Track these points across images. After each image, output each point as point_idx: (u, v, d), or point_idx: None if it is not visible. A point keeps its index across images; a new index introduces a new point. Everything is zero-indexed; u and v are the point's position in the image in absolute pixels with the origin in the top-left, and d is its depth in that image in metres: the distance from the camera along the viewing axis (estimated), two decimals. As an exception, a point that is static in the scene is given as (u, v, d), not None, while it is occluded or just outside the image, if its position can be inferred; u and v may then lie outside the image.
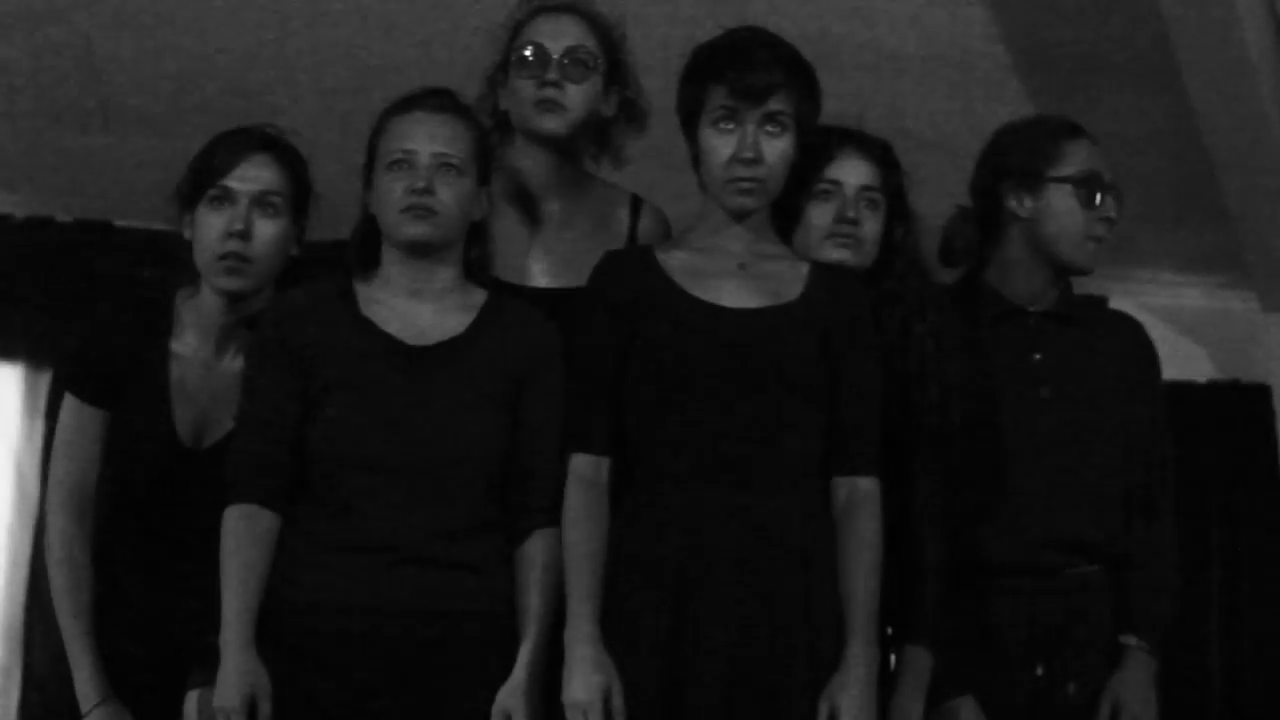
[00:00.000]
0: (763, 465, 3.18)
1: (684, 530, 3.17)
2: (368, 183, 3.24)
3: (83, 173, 5.83)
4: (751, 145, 3.19)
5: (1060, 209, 3.51)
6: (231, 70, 5.11)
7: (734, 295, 3.24)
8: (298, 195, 3.38)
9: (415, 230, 3.20)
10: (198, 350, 3.39)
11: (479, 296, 3.27)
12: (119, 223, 6.03)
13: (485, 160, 3.28)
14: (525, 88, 3.44)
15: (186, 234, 3.38)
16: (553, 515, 3.20)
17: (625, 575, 3.18)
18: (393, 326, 3.22)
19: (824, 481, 3.24)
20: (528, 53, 3.44)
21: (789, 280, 3.26)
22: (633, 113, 3.52)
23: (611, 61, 3.49)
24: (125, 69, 5.13)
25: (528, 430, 3.22)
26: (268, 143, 3.38)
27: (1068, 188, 3.51)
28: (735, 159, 3.20)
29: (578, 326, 3.27)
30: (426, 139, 3.21)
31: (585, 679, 3.11)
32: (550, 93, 3.43)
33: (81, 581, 3.36)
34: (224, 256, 3.31)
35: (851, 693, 3.14)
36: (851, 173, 3.38)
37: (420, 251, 3.22)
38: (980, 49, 4.90)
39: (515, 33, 3.49)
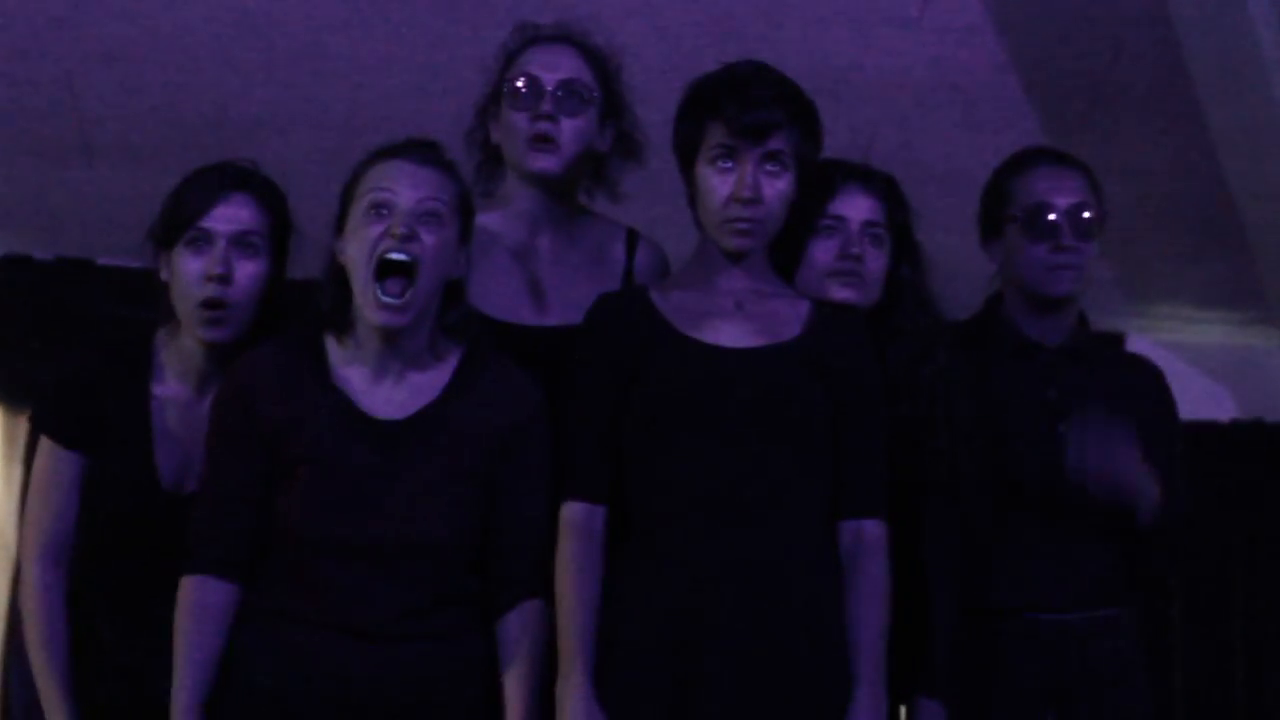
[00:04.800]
0: (764, 509, 3.08)
1: (684, 581, 3.06)
2: (339, 230, 3.12)
3: (63, 209, 5.76)
4: (750, 185, 3.10)
5: (1014, 247, 3.51)
6: (216, 105, 5.03)
7: (731, 335, 3.14)
8: (277, 233, 3.27)
9: (386, 316, 3.07)
10: (179, 393, 3.26)
11: (456, 354, 3.15)
12: (100, 260, 5.97)
13: (467, 217, 3.16)
14: (519, 121, 3.35)
15: (164, 276, 3.28)
16: (534, 586, 3.09)
17: (624, 629, 3.07)
18: (364, 398, 3.10)
19: (829, 525, 3.13)
20: (520, 84, 3.35)
21: (788, 319, 3.17)
22: (629, 146, 3.43)
23: (607, 94, 3.40)
24: (106, 104, 5.06)
25: (508, 499, 3.10)
26: (244, 180, 3.26)
27: (1016, 226, 3.50)
28: (734, 199, 3.10)
29: (573, 371, 3.16)
30: (409, 185, 3.09)
31: None
32: (544, 127, 3.33)
33: (57, 631, 3.25)
34: (205, 303, 3.21)
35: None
36: (855, 208, 3.29)
37: (390, 333, 3.10)
38: (991, 80, 4.84)
39: (508, 64, 3.40)
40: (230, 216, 3.24)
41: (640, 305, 3.18)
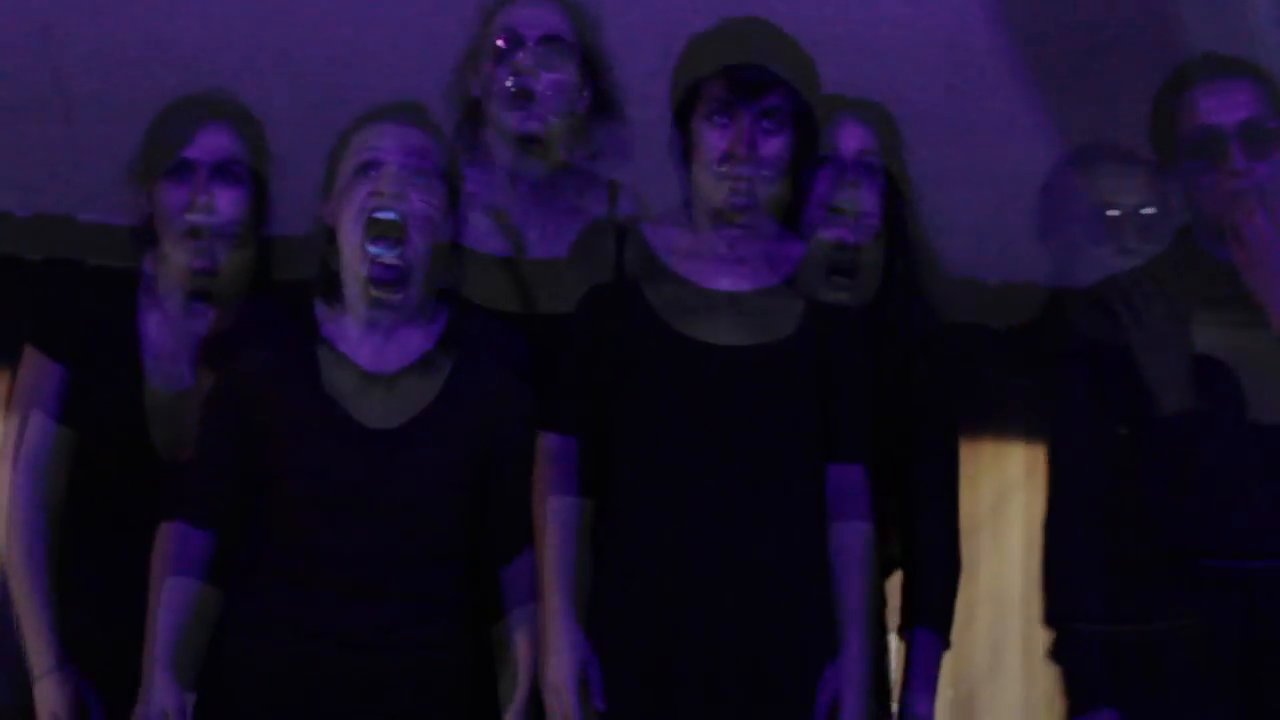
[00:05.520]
0: (748, 508, 3.08)
1: (667, 579, 3.08)
2: (327, 193, 3.11)
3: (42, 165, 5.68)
4: (747, 141, 3.08)
5: (1186, 175, 3.28)
6: (197, 58, 4.95)
7: (723, 332, 3.12)
8: (256, 161, 3.30)
9: (379, 271, 3.06)
10: (167, 306, 3.33)
11: (443, 314, 3.12)
12: (81, 217, 5.84)
13: (455, 181, 3.15)
14: (500, 76, 3.37)
15: (146, 210, 3.28)
16: (531, 540, 3.13)
17: (604, 622, 3.09)
18: (354, 347, 3.08)
19: (819, 526, 3.12)
20: (501, 40, 3.36)
21: (783, 316, 3.14)
22: (607, 104, 3.41)
23: (587, 50, 3.41)
24: (85, 59, 5.00)
25: (503, 454, 3.10)
26: (221, 110, 3.29)
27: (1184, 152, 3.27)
28: (729, 155, 3.08)
29: (557, 356, 3.20)
30: (397, 146, 3.08)
31: (559, 658, 3.02)
32: (525, 80, 3.33)
33: (38, 542, 3.27)
34: (189, 232, 3.23)
35: (853, 676, 3.07)
36: (849, 137, 3.36)
37: (381, 288, 3.08)
38: (982, 39, 4.79)
39: (488, 20, 3.41)
40: (210, 145, 3.29)
41: (631, 298, 3.16)
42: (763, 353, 3.15)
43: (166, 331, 3.34)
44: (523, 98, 3.44)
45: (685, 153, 3.21)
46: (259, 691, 3.07)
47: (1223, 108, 3.22)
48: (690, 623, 3.09)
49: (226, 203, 3.34)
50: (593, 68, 3.52)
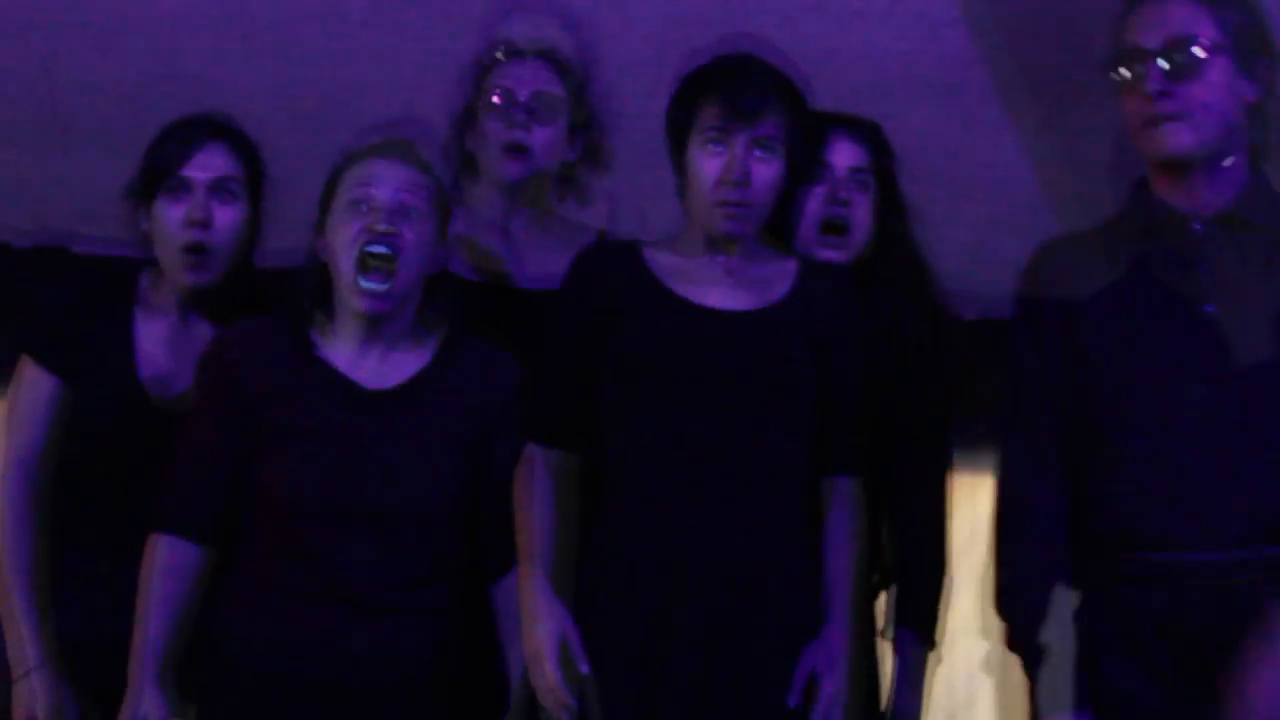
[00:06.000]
0: (742, 470, 3.13)
1: (658, 542, 3.13)
2: (320, 229, 3.17)
3: (42, 196, 5.70)
4: (740, 166, 3.13)
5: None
6: (194, 93, 4.94)
7: (719, 297, 3.17)
8: (253, 180, 3.36)
9: (369, 303, 3.10)
10: (162, 321, 3.40)
11: (435, 339, 3.18)
12: (76, 250, 5.85)
13: (444, 213, 3.21)
14: (494, 130, 3.47)
15: (144, 228, 3.33)
16: None
17: (599, 589, 3.14)
18: (348, 368, 3.13)
19: (809, 487, 3.22)
20: (496, 99, 3.49)
21: (775, 280, 3.19)
22: (596, 155, 3.56)
23: (577, 105, 3.52)
24: (85, 91, 5.01)
25: (493, 472, 3.14)
26: (218, 129, 3.35)
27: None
28: (723, 180, 3.13)
29: (554, 312, 3.24)
30: (388, 182, 3.14)
31: (538, 626, 3.07)
32: (518, 135, 3.43)
33: (28, 541, 3.33)
34: (186, 248, 3.28)
35: (832, 652, 3.10)
36: (841, 155, 3.42)
37: (373, 319, 3.14)
38: (963, 73, 4.82)
39: (483, 76, 3.51)
40: (207, 164, 3.34)
41: (630, 258, 3.21)
42: (757, 317, 3.19)
43: (163, 346, 3.38)
44: (516, 150, 3.55)
45: (680, 183, 3.26)
46: (255, 660, 3.09)
47: (1150, 26, 3.03)
48: (687, 579, 3.12)
49: (223, 220, 3.39)
50: (583, 121, 3.59)
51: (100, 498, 3.32)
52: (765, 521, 3.16)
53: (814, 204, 3.40)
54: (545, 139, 3.57)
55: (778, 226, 3.35)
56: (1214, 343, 2.94)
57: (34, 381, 3.38)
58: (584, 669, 3.06)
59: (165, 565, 3.14)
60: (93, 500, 3.33)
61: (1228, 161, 3.03)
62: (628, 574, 3.13)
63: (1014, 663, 3.14)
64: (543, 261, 3.45)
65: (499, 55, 3.63)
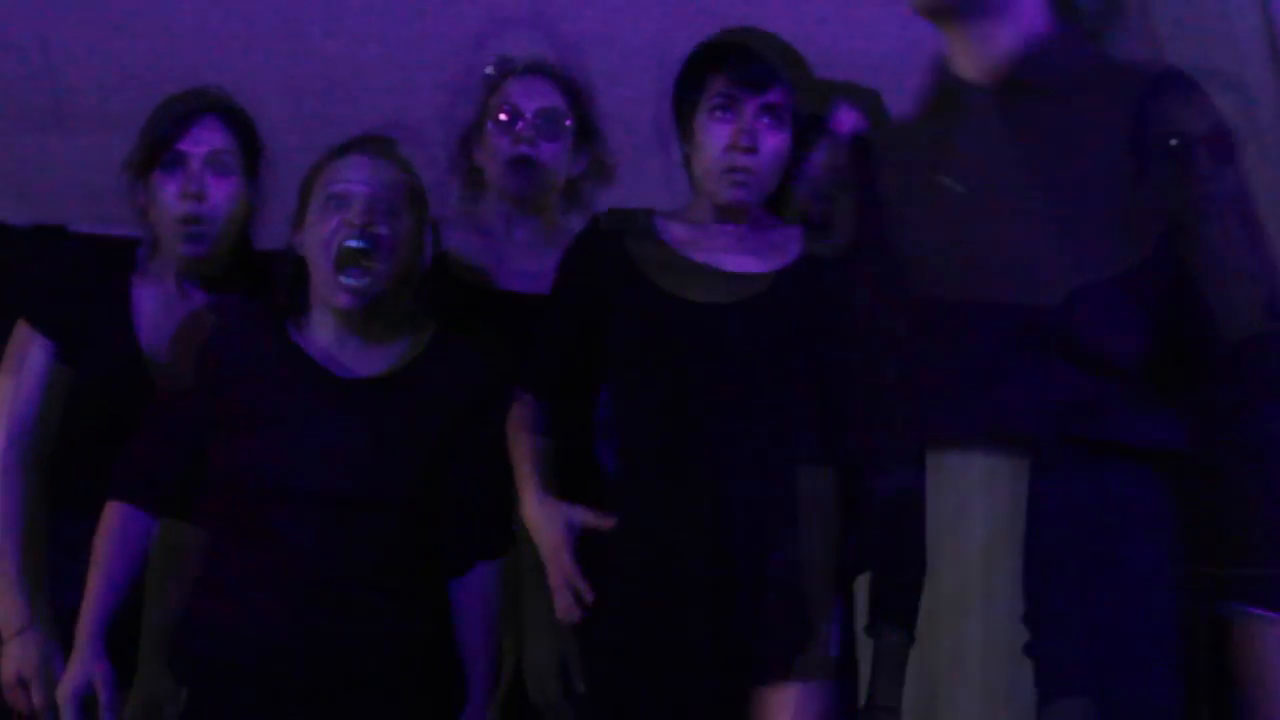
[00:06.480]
0: (750, 443, 3.11)
1: (658, 518, 3.12)
2: (298, 224, 3.17)
3: (38, 174, 5.70)
4: (749, 133, 3.13)
5: None
6: (193, 74, 4.95)
7: (737, 262, 3.17)
8: (248, 153, 3.36)
9: (348, 298, 3.10)
10: (160, 289, 3.40)
11: (416, 335, 3.17)
12: (74, 228, 5.86)
13: (422, 209, 3.21)
14: (501, 146, 3.53)
15: (141, 202, 3.40)
16: (487, 550, 3.17)
17: (603, 573, 3.13)
18: (323, 357, 3.13)
19: (815, 458, 3.15)
20: (503, 116, 3.57)
21: (786, 243, 3.21)
22: (600, 170, 3.67)
23: (581, 121, 3.65)
24: (83, 72, 5.04)
25: (462, 466, 3.14)
26: (214, 104, 3.36)
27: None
28: (731, 147, 3.13)
29: (560, 269, 3.27)
30: (365, 178, 3.15)
31: (545, 528, 3.10)
32: (524, 150, 3.56)
33: (17, 505, 3.29)
34: (182, 220, 3.29)
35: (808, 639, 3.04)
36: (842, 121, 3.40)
37: (350, 314, 3.16)
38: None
39: (490, 94, 3.54)
40: (202, 138, 3.36)
41: (643, 223, 3.21)
42: (775, 278, 3.19)
43: (160, 316, 3.39)
44: (523, 164, 3.53)
45: (685, 153, 3.24)
46: (222, 651, 3.09)
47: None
48: (691, 563, 3.12)
49: (219, 193, 3.41)
50: (587, 136, 3.69)
51: (98, 467, 3.31)
52: (762, 499, 3.14)
53: (814, 168, 3.39)
54: (551, 153, 3.64)
55: (776, 201, 3.34)
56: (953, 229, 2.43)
57: (30, 345, 3.39)
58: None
59: (116, 532, 3.14)
60: (90, 470, 3.32)
61: (1011, 14, 2.45)
62: (634, 558, 3.13)
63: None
64: (546, 270, 3.45)
65: (504, 72, 3.66)
